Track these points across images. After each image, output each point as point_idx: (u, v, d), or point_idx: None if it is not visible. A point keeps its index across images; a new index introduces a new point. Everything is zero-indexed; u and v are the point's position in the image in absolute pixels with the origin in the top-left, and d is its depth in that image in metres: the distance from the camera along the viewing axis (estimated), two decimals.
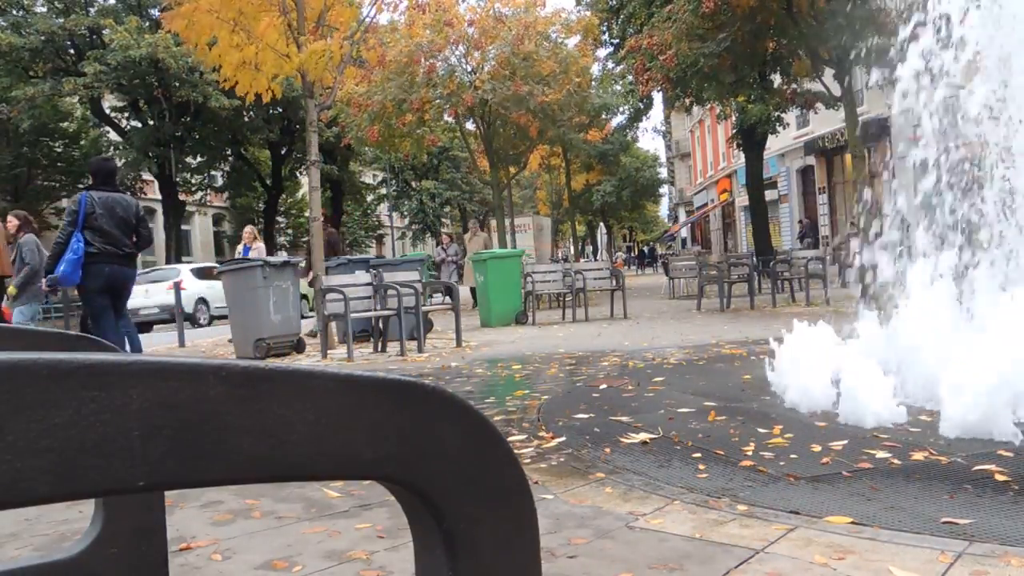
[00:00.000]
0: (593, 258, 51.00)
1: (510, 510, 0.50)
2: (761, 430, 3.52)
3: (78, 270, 6.32)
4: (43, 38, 23.84)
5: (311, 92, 9.57)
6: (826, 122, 23.47)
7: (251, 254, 11.22)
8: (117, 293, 6.67)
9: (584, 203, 45.87)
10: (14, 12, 25.39)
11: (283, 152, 31.75)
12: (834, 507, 2.47)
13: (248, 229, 12.31)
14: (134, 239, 6.67)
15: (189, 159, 29.19)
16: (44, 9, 25.63)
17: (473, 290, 14.90)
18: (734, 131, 25.33)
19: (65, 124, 26.79)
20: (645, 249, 60.59)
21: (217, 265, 8.53)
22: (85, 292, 6.54)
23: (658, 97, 24.67)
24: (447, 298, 14.94)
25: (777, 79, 16.94)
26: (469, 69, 19.82)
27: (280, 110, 27.63)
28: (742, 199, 31.75)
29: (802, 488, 2.70)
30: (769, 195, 27.46)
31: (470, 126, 22.03)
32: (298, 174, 34.26)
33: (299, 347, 8.86)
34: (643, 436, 3.58)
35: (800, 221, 27.06)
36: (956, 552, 2.05)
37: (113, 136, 28.43)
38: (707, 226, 45.10)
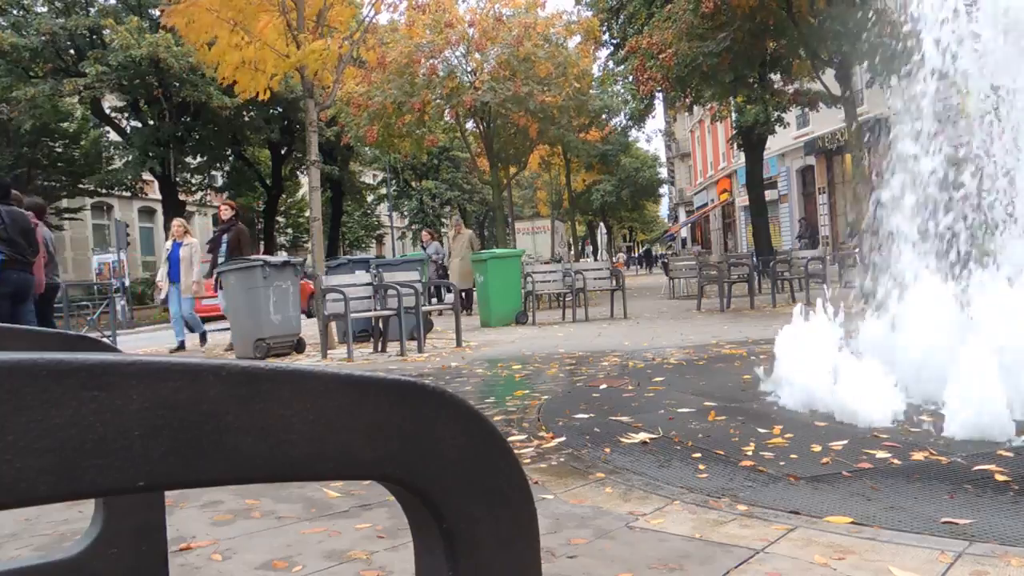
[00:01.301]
0: (593, 258, 50.95)
1: (510, 510, 0.50)
2: (761, 430, 3.52)
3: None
4: (43, 38, 23.83)
5: (311, 92, 9.57)
6: (826, 122, 23.48)
7: (182, 251, 10.11)
8: (22, 298, 6.82)
9: (584, 203, 45.87)
10: (14, 12, 25.39)
11: (283, 152, 31.74)
12: (834, 507, 2.47)
13: (177, 222, 10.73)
14: None
15: (189, 159, 29.20)
16: (45, 9, 25.61)
17: (463, 293, 13.77)
18: (734, 131, 25.35)
19: (65, 124, 26.79)
20: (652, 248, 59.02)
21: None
22: None
23: (659, 98, 24.65)
24: (447, 296, 14.86)
25: (777, 79, 16.94)
26: (469, 70, 19.83)
27: (280, 110, 27.63)
28: (742, 199, 31.75)
29: (802, 488, 2.70)
30: (769, 195, 27.46)
31: (470, 126, 22.05)
32: (298, 174, 34.26)
33: (299, 347, 8.86)
34: (643, 436, 3.58)
35: (801, 220, 27.10)
36: (956, 552, 2.05)
37: (113, 136, 28.44)
38: (707, 226, 45.10)
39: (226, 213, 10.31)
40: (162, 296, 10.73)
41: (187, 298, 10.18)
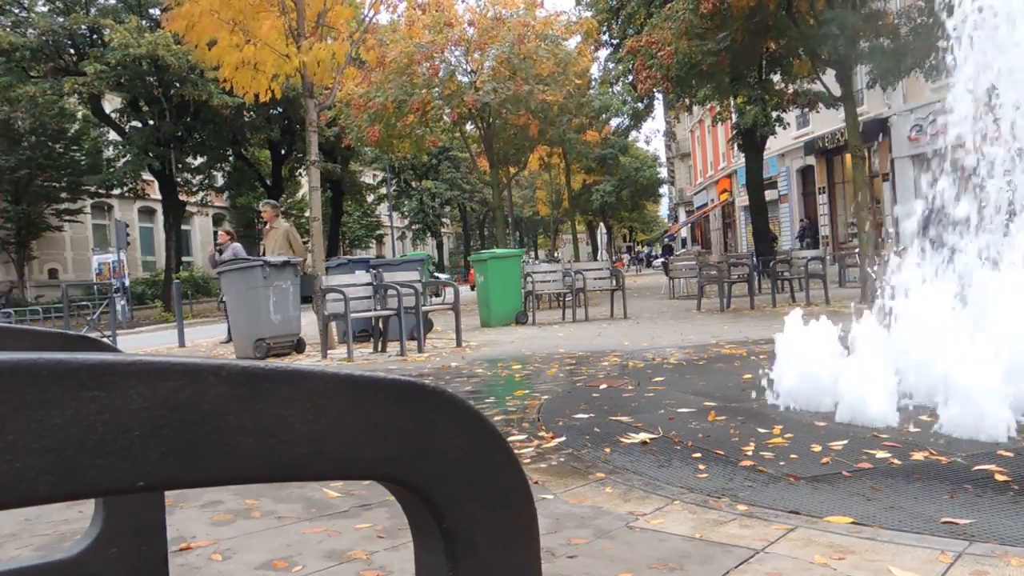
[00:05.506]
0: (592, 258, 50.76)
1: (510, 510, 0.50)
2: (761, 430, 3.52)
3: None
4: (43, 37, 23.84)
5: (311, 92, 9.57)
6: (826, 122, 23.47)
7: None
8: None
9: (584, 203, 45.84)
10: (15, 11, 25.41)
11: (283, 152, 31.75)
12: (834, 507, 2.47)
13: None
14: None
15: (189, 159, 29.20)
16: (45, 9, 25.63)
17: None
18: (734, 131, 25.34)
19: (67, 126, 26.80)
20: (670, 244, 55.05)
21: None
22: None
23: (659, 98, 24.67)
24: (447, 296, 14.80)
25: (777, 79, 16.93)
26: (469, 69, 19.84)
27: (280, 110, 27.63)
28: (742, 199, 31.75)
29: (802, 488, 2.70)
30: (769, 195, 27.46)
31: (470, 128, 22.05)
32: (298, 174, 34.28)
33: (299, 347, 8.86)
34: (643, 436, 3.58)
35: (801, 220, 27.14)
36: (956, 552, 2.05)
37: (113, 136, 28.44)
38: (707, 226, 45.08)
39: None
40: None
41: None
